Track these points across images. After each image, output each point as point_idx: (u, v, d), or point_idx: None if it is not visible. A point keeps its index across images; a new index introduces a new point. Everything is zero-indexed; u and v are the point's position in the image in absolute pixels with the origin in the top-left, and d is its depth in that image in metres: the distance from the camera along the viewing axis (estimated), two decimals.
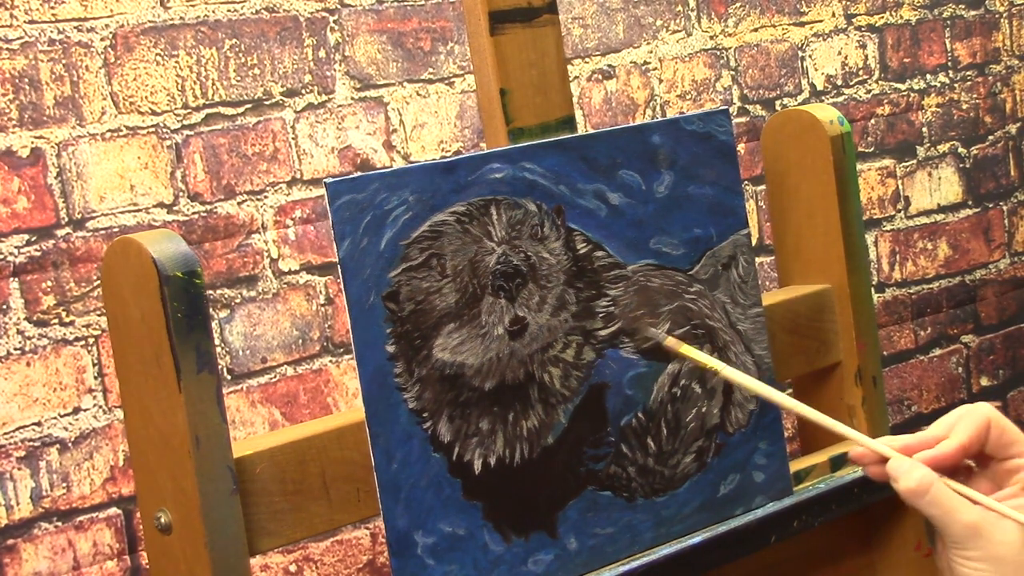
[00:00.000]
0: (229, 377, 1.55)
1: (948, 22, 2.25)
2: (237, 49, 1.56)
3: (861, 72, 2.14)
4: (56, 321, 1.45)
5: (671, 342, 1.01)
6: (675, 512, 1.03)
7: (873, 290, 2.13)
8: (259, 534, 0.92)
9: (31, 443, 1.44)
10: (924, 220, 2.22)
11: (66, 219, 1.45)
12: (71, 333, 1.46)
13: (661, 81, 1.92)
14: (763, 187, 1.94)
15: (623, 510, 1.01)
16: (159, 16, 1.51)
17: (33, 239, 1.44)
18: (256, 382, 1.57)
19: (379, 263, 0.92)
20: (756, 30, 2.01)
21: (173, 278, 0.87)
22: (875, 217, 2.16)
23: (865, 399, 1.21)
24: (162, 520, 0.90)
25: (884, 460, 0.88)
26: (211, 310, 1.53)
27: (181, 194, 1.52)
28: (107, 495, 1.48)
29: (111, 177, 1.48)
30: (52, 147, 1.45)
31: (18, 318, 1.43)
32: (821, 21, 2.09)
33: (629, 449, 1.01)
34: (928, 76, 2.22)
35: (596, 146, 1.01)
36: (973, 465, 0.89)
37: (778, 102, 2.03)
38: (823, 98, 2.08)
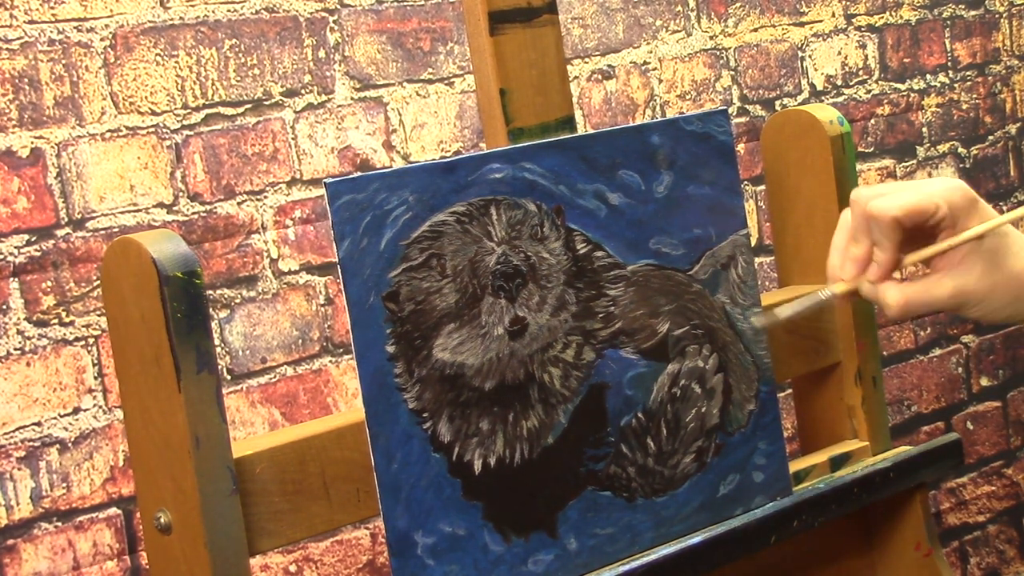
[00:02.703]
0: (229, 377, 1.55)
1: (948, 22, 2.25)
2: (237, 49, 1.56)
3: (861, 72, 2.14)
4: (56, 321, 1.45)
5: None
6: (675, 512, 1.03)
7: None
8: (259, 534, 0.92)
9: (31, 443, 1.44)
10: None
11: (66, 219, 1.45)
12: (71, 333, 1.46)
13: (661, 81, 1.92)
14: (763, 187, 1.93)
15: (623, 510, 1.01)
16: (159, 16, 1.51)
17: (33, 239, 1.44)
18: (256, 382, 1.57)
19: (379, 263, 0.92)
20: (756, 30, 2.01)
21: (173, 278, 0.87)
22: None
23: (865, 399, 1.21)
24: (162, 520, 0.90)
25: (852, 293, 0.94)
26: (211, 310, 1.53)
27: (181, 194, 1.52)
28: (107, 495, 1.48)
29: (111, 177, 1.48)
30: (52, 147, 1.45)
31: (18, 318, 1.43)
32: (821, 21, 2.09)
33: (629, 449, 1.01)
34: (928, 76, 2.22)
35: (596, 146, 1.01)
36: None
37: (778, 102, 2.03)
38: (823, 98, 2.08)
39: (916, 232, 0.92)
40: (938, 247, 0.92)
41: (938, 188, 0.92)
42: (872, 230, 0.92)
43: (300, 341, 1.60)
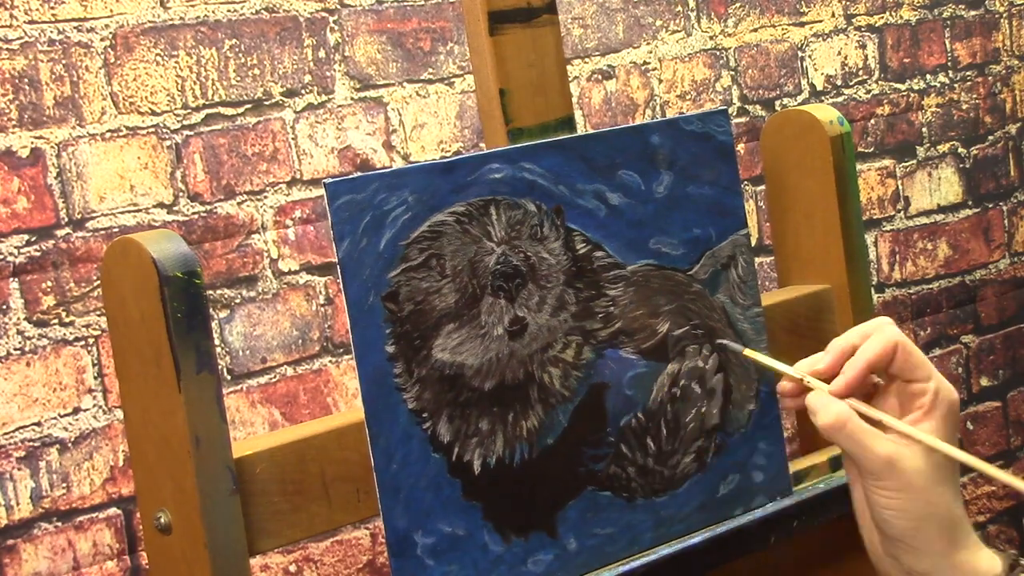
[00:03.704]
0: (229, 377, 1.55)
1: (948, 22, 2.25)
2: (237, 49, 1.56)
3: (861, 72, 2.14)
4: (56, 321, 1.45)
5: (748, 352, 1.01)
6: (675, 512, 1.03)
7: (873, 290, 2.13)
8: (259, 534, 0.92)
9: (31, 443, 1.44)
10: (924, 220, 2.22)
11: (66, 219, 1.45)
12: (71, 333, 1.46)
13: (661, 81, 1.92)
14: (763, 187, 1.94)
15: (623, 510, 1.01)
16: (159, 16, 1.51)
17: (33, 239, 1.44)
18: (256, 382, 1.57)
19: (378, 263, 0.92)
20: (756, 30, 2.01)
21: (173, 278, 0.87)
22: (875, 217, 2.16)
23: None
24: (162, 520, 0.90)
25: (806, 392, 0.91)
26: (211, 310, 1.53)
27: (181, 194, 1.52)
28: (107, 495, 1.48)
29: (111, 177, 1.48)
30: (52, 147, 1.45)
31: (18, 318, 1.43)
32: (821, 21, 2.09)
33: (629, 449, 1.01)
34: (928, 76, 2.22)
35: (595, 146, 1.01)
36: (879, 381, 0.92)
37: (778, 102, 2.03)
38: (823, 98, 2.08)
39: (887, 396, 0.91)
40: (893, 420, 0.89)
41: (942, 378, 0.90)
42: (870, 338, 0.90)
43: (300, 341, 1.60)
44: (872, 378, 0.92)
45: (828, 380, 0.91)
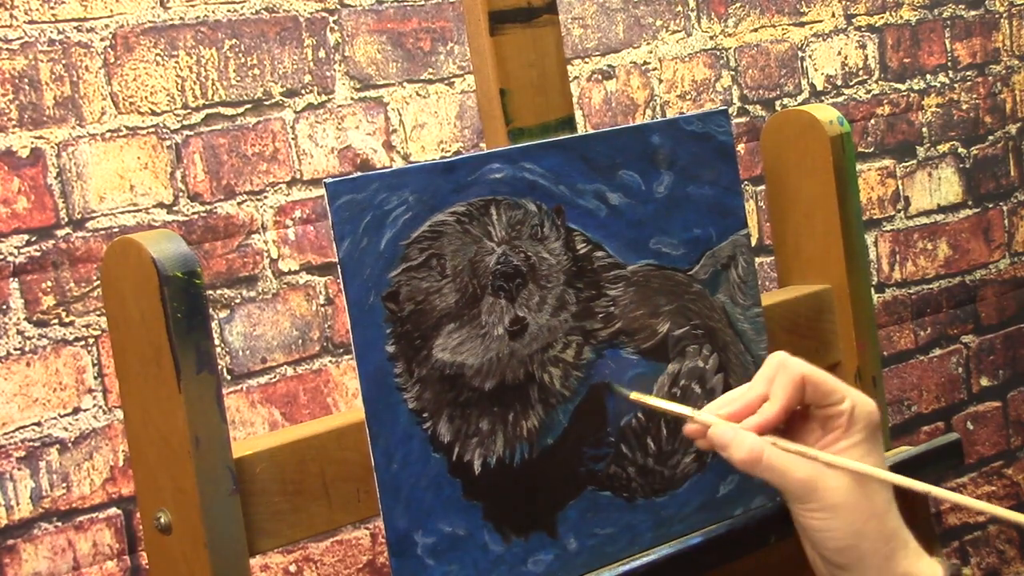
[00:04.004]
0: (229, 377, 1.55)
1: (948, 22, 2.25)
2: (237, 49, 1.56)
3: (861, 72, 2.14)
4: (56, 321, 1.45)
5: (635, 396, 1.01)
6: (675, 512, 1.03)
7: (873, 290, 2.13)
8: (259, 534, 0.92)
9: (31, 443, 1.44)
10: (924, 220, 2.22)
11: (66, 219, 1.45)
12: (71, 333, 1.46)
13: (661, 81, 1.92)
14: (763, 187, 1.94)
15: (623, 510, 1.01)
16: (159, 16, 1.51)
17: (33, 239, 1.44)
18: (256, 382, 1.57)
19: (379, 263, 0.92)
20: (756, 30, 2.01)
21: (173, 278, 0.87)
22: (875, 217, 2.16)
23: None
24: (162, 520, 0.90)
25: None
26: (211, 310, 1.53)
27: (181, 194, 1.52)
28: (107, 495, 1.48)
29: (111, 177, 1.48)
30: (52, 147, 1.45)
31: (18, 318, 1.43)
32: (821, 21, 2.09)
33: (629, 449, 1.01)
34: (928, 76, 2.22)
35: (596, 146, 1.01)
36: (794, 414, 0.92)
37: (778, 102, 2.03)
38: (823, 98, 2.08)
39: (805, 421, 0.91)
40: (808, 450, 0.89)
41: (857, 393, 0.91)
42: (775, 381, 0.90)
43: (300, 341, 1.60)
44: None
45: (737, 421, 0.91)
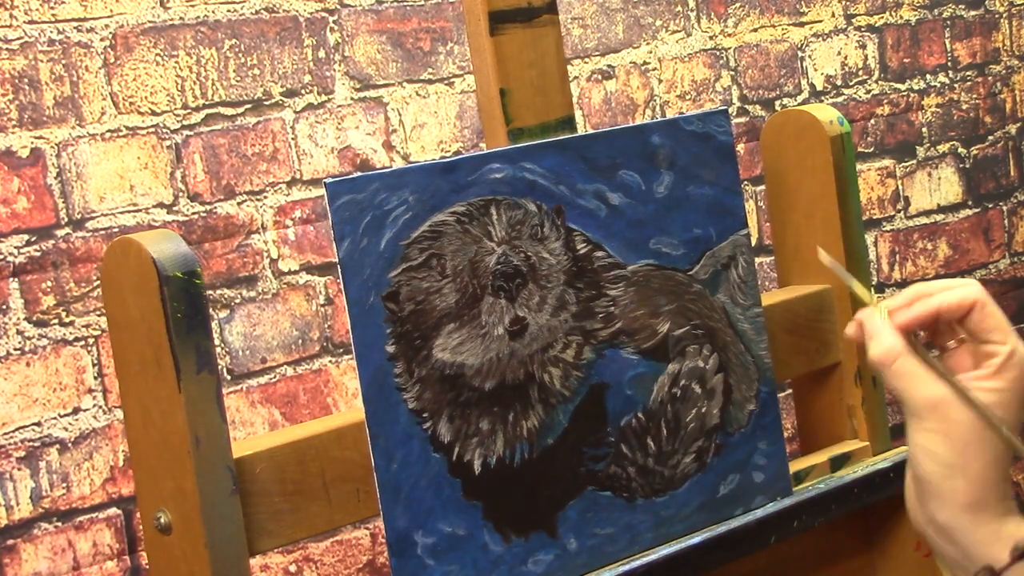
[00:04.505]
0: (229, 377, 1.55)
1: (948, 22, 2.25)
2: (237, 49, 1.56)
3: (861, 72, 2.14)
4: (56, 321, 1.45)
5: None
6: (675, 512, 1.03)
7: (873, 290, 2.12)
8: (259, 534, 0.92)
9: (31, 443, 1.44)
10: (924, 220, 2.22)
11: (66, 219, 1.45)
12: (71, 333, 1.46)
13: (661, 81, 1.91)
14: (763, 187, 1.93)
15: (623, 510, 1.01)
16: (159, 16, 1.51)
17: (33, 239, 1.44)
18: (256, 382, 1.57)
19: (379, 263, 0.92)
20: (756, 30, 2.01)
21: (173, 278, 0.87)
22: (875, 217, 2.16)
23: (865, 399, 1.21)
24: (162, 520, 0.90)
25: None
26: (211, 310, 1.53)
27: (181, 194, 1.52)
28: (107, 495, 1.48)
29: (111, 177, 1.48)
30: (52, 147, 1.45)
31: (18, 318, 1.43)
32: (821, 21, 2.09)
33: (629, 449, 1.01)
34: (928, 76, 2.22)
35: (596, 146, 1.01)
36: (953, 342, 0.91)
37: (778, 102, 2.03)
38: (823, 98, 2.08)
39: (961, 351, 0.90)
40: (942, 369, 0.88)
41: (1022, 345, 0.89)
42: (953, 289, 0.89)
43: (300, 341, 1.60)
44: (947, 333, 0.91)
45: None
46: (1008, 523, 0.86)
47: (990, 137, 2.31)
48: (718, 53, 1.97)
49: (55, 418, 1.45)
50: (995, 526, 0.86)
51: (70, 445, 1.46)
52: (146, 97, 1.50)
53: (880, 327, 0.89)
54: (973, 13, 2.27)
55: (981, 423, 0.86)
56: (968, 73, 2.27)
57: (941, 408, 0.86)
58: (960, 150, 2.27)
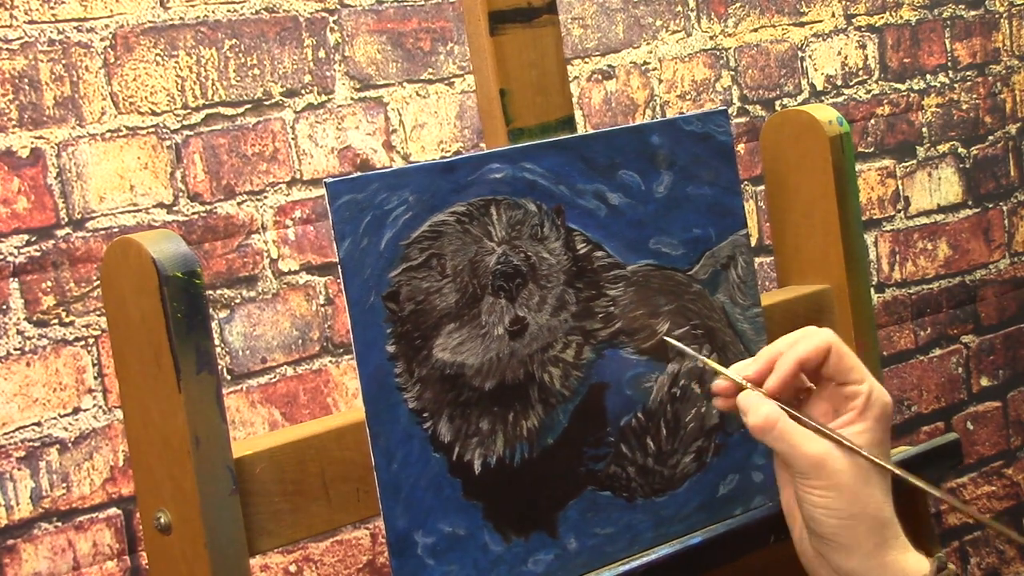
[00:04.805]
0: (229, 377, 1.55)
1: (948, 22, 2.25)
2: (237, 49, 1.56)
3: (861, 72, 2.14)
4: (56, 321, 1.45)
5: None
6: (675, 512, 1.03)
7: (873, 290, 2.13)
8: (259, 534, 0.92)
9: (31, 443, 1.44)
10: (924, 220, 2.22)
11: (66, 219, 1.45)
12: (71, 333, 1.46)
13: (661, 81, 1.92)
14: (763, 187, 1.94)
15: (623, 510, 1.01)
16: (159, 16, 1.51)
17: (33, 239, 1.44)
18: (256, 382, 1.57)
19: (379, 263, 0.92)
20: (756, 30, 2.02)
21: (173, 278, 0.87)
22: (875, 217, 2.16)
23: None
24: (162, 520, 0.90)
25: (738, 393, 0.92)
26: (211, 310, 1.53)
27: (181, 194, 1.53)
28: (107, 495, 1.48)
29: (111, 177, 1.48)
30: (52, 147, 1.45)
31: (18, 318, 1.43)
32: (821, 21, 2.09)
33: (629, 449, 1.01)
34: (928, 76, 2.22)
35: (595, 146, 1.01)
36: (812, 387, 0.94)
37: (778, 102, 2.03)
38: (823, 98, 2.09)
39: (820, 399, 0.93)
40: (822, 427, 0.90)
41: (876, 381, 0.92)
42: (801, 340, 0.92)
43: (300, 341, 1.60)
44: (804, 381, 0.93)
45: (760, 384, 0.92)
46: (909, 557, 0.90)
47: (990, 137, 2.31)
48: (718, 53, 1.97)
49: (55, 418, 1.45)
50: (900, 564, 0.90)
51: (70, 445, 1.46)
52: (146, 97, 1.50)
53: (753, 398, 0.91)
54: (973, 13, 2.28)
55: (863, 469, 0.89)
56: (968, 73, 2.27)
57: (828, 464, 0.89)
58: (960, 150, 2.27)
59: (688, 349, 1.00)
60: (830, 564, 0.91)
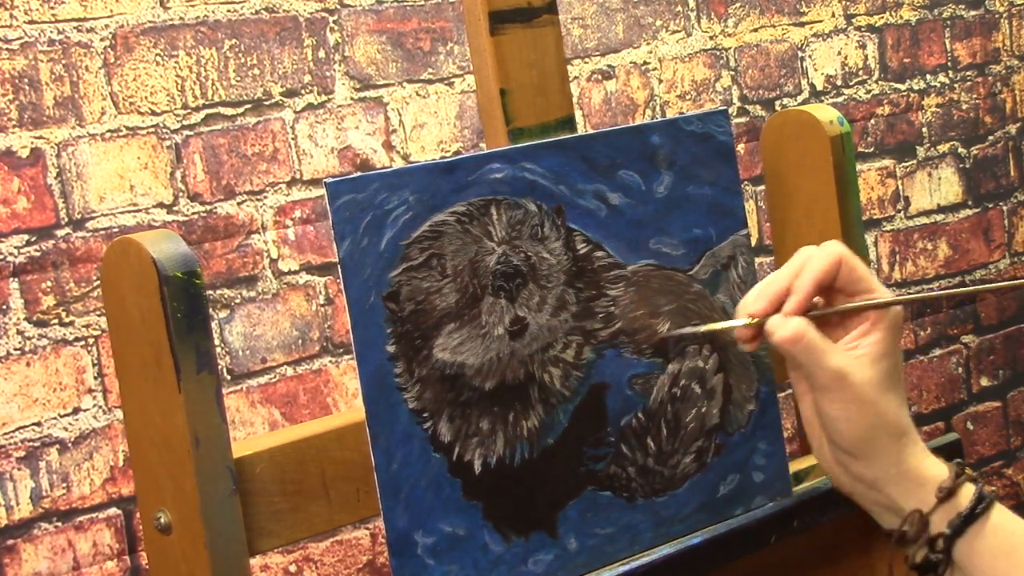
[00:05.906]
0: (229, 377, 1.55)
1: (948, 22, 2.25)
2: (237, 49, 1.56)
3: (861, 72, 2.14)
4: (56, 321, 1.45)
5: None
6: (675, 512, 1.03)
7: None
8: (259, 534, 0.92)
9: (31, 443, 1.44)
10: (924, 220, 2.22)
11: (66, 219, 1.45)
12: (71, 333, 1.46)
13: (661, 81, 1.92)
14: (763, 187, 1.94)
15: (623, 510, 1.01)
16: (159, 16, 1.51)
17: (33, 239, 1.44)
18: (256, 382, 1.57)
19: (379, 263, 0.92)
20: (756, 30, 2.01)
21: (173, 278, 0.87)
22: (875, 217, 2.16)
23: None
24: (162, 520, 0.90)
25: (760, 330, 0.94)
26: (211, 310, 1.53)
27: (181, 194, 1.53)
28: (107, 495, 1.48)
29: (111, 177, 1.48)
30: (52, 147, 1.45)
31: (18, 318, 1.43)
32: (821, 21, 2.09)
33: (629, 449, 1.01)
34: (928, 76, 2.22)
35: (596, 146, 1.01)
36: (821, 301, 0.95)
37: (778, 102, 2.03)
38: (823, 98, 2.08)
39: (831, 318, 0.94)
40: (839, 308, 0.92)
41: (886, 291, 0.94)
42: (812, 258, 0.92)
43: (300, 341, 1.60)
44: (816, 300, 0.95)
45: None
46: (928, 463, 0.93)
47: (990, 137, 2.31)
48: (718, 53, 1.97)
49: (55, 418, 1.45)
50: (920, 470, 0.92)
51: (70, 445, 1.46)
52: (146, 97, 1.50)
53: (779, 318, 0.92)
54: (973, 13, 2.27)
55: (881, 380, 0.91)
56: (968, 73, 2.27)
57: (847, 376, 0.91)
58: (960, 150, 2.27)
59: (685, 329, 1.01)
60: (851, 473, 0.93)
